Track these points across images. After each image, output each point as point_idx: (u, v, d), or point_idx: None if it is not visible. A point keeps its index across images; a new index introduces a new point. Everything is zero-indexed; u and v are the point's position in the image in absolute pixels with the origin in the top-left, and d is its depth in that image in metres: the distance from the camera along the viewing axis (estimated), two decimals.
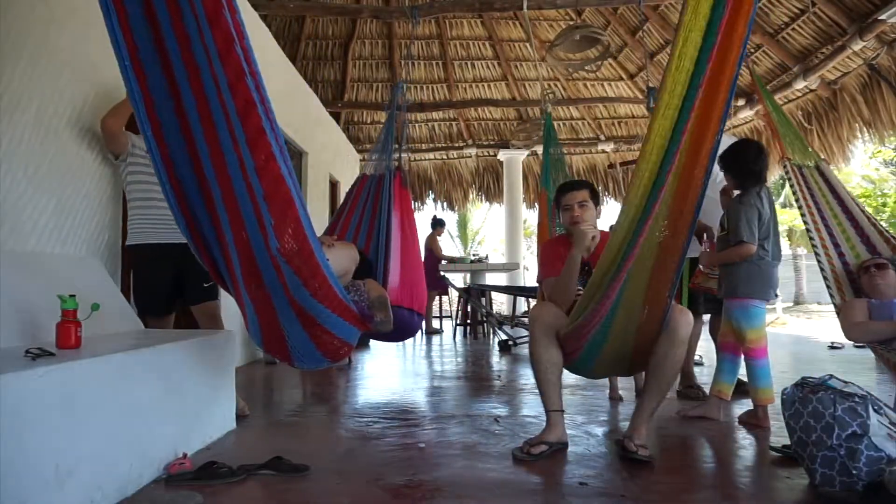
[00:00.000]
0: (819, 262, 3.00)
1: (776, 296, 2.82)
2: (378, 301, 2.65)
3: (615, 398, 3.31)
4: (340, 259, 2.73)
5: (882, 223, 3.10)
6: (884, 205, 14.07)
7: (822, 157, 6.34)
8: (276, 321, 2.25)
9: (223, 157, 1.85)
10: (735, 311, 2.79)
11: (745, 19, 1.82)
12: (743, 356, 2.81)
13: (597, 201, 2.67)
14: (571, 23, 7.97)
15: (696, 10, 1.80)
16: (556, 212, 4.21)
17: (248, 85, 1.75)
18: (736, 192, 2.88)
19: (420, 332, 7.06)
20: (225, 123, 1.80)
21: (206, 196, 2.00)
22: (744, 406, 2.93)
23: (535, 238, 14.48)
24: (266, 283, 2.09)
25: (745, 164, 2.79)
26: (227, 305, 4.69)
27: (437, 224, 7.89)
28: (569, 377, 2.68)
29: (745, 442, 2.52)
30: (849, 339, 2.83)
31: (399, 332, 3.94)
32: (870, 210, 4.43)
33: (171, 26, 1.73)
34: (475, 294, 7.30)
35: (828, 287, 2.98)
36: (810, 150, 3.24)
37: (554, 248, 2.68)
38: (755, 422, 2.69)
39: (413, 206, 4.40)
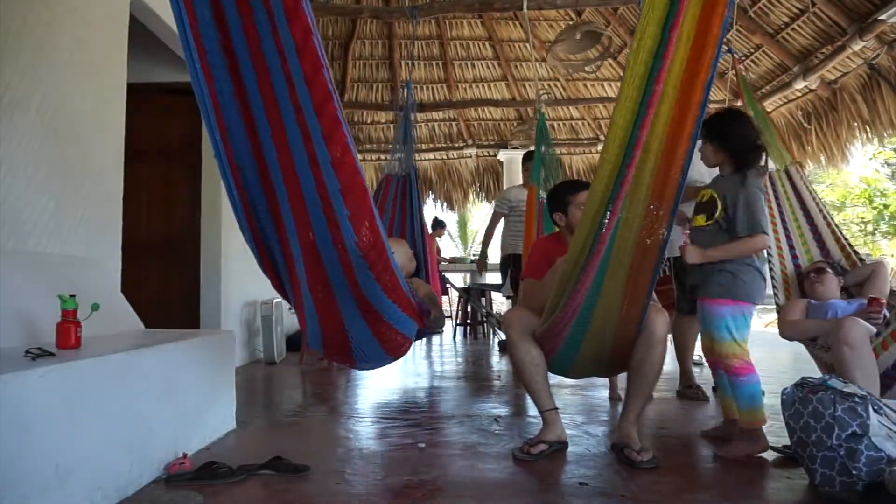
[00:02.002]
0: (770, 262, 3.01)
1: None
2: (429, 298, 2.69)
3: (615, 398, 3.30)
4: (398, 255, 2.77)
5: (842, 229, 3.13)
6: (885, 206, 13.86)
7: (810, 161, 6.37)
8: (339, 321, 2.25)
9: (291, 157, 1.84)
10: (728, 319, 2.25)
11: (719, 17, 1.83)
12: (727, 375, 2.29)
13: None
14: (571, 23, 7.97)
15: (653, 4, 1.83)
16: (543, 209, 4.16)
17: (326, 77, 1.74)
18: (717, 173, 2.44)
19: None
20: (295, 120, 1.78)
21: (270, 200, 1.99)
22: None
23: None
24: (332, 283, 2.09)
25: (745, 137, 2.31)
26: (227, 305, 4.69)
27: (438, 225, 7.86)
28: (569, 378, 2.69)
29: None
30: (781, 336, 2.83)
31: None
32: (869, 214, 4.43)
33: (241, 27, 1.71)
34: (475, 294, 7.30)
35: (773, 287, 3.00)
36: (784, 153, 3.25)
37: (546, 248, 2.62)
38: (749, 450, 2.24)
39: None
